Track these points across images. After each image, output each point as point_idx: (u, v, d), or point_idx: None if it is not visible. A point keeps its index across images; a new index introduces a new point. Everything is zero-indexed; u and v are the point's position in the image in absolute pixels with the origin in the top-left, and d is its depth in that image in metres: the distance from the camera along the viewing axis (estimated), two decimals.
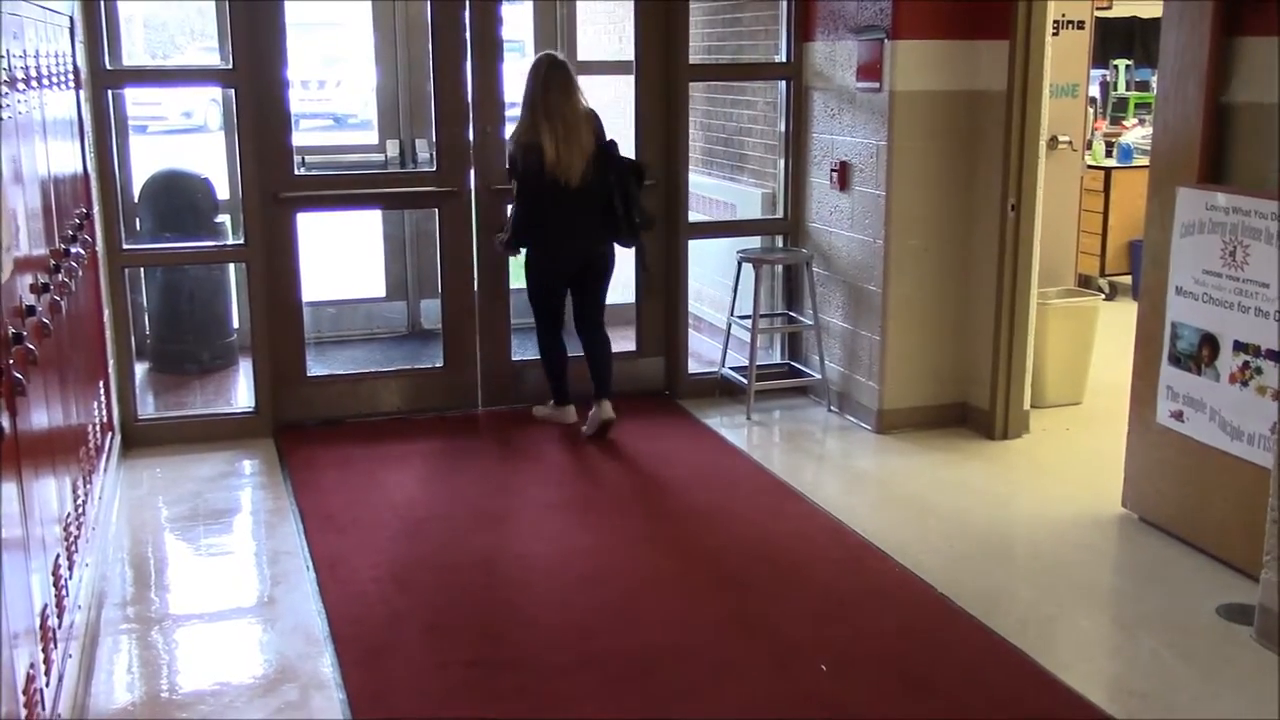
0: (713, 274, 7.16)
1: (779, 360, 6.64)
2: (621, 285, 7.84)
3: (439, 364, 6.18)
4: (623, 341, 6.66)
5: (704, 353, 6.85)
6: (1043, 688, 3.57)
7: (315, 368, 6.17)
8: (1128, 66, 11.70)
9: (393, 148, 7.41)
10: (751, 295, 6.06)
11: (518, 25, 9.18)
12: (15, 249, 2.91)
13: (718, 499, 5.10)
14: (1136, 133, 9.46)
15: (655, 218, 5.87)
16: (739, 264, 6.22)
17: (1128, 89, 11.67)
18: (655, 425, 6.02)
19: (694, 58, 6.37)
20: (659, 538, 4.71)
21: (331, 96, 19.20)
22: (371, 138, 7.81)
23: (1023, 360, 5.63)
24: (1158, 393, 4.53)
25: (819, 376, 6.19)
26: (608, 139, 5.60)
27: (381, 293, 7.80)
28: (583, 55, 7.80)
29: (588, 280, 5.74)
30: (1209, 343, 4.29)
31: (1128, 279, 8.67)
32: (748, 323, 6.10)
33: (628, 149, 6.25)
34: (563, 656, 3.75)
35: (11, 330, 2.71)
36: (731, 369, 6.36)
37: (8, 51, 3.04)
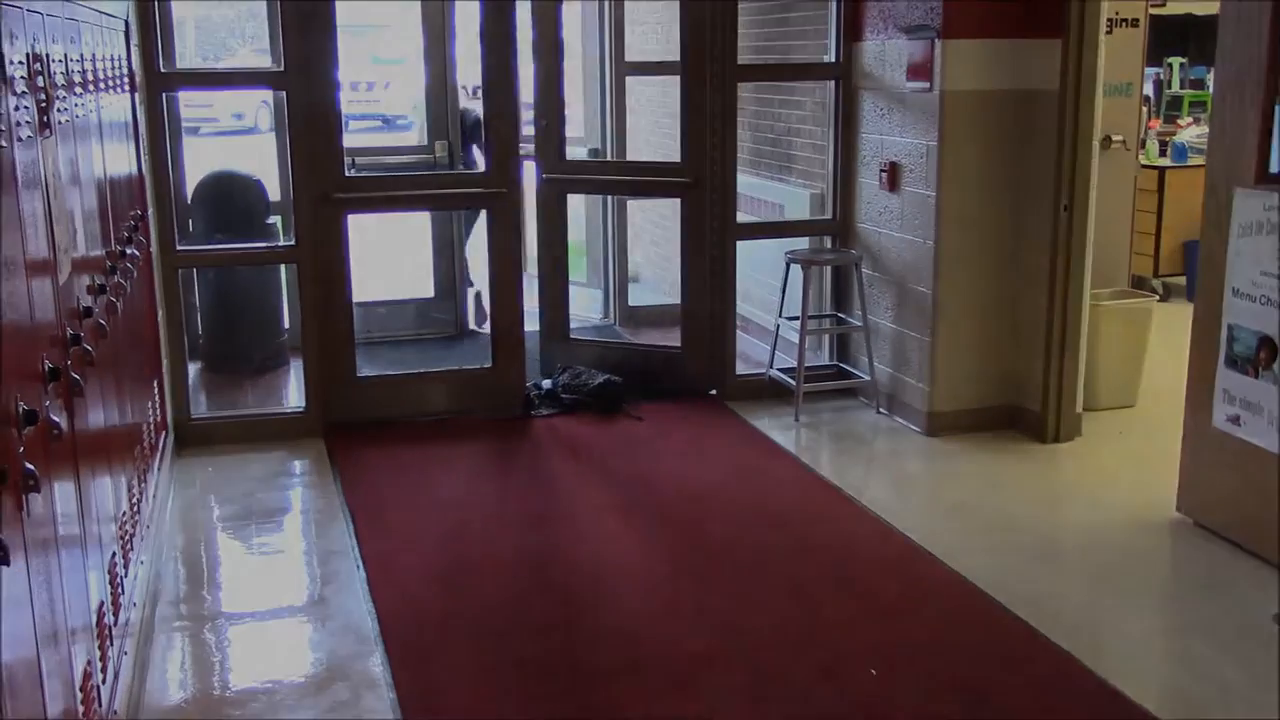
0: (761, 275, 7.14)
1: (827, 361, 6.61)
2: (669, 285, 7.84)
3: (487, 364, 6.21)
4: (670, 341, 6.67)
5: (752, 354, 6.82)
6: (1094, 693, 3.52)
7: (365, 368, 6.21)
8: (1182, 64, 11.54)
9: (441, 149, 7.44)
10: (800, 296, 6.04)
11: (565, 25, 9.16)
12: (73, 250, 2.95)
13: (766, 501, 5.07)
14: (1191, 131, 9.32)
15: None
16: (787, 265, 6.19)
17: (1182, 87, 11.50)
18: (703, 426, 6.01)
19: (742, 58, 6.34)
20: (707, 541, 4.69)
21: (381, 98, 19.37)
22: (420, 139, 7.86)
23: (1075, 362, 5.57)
24: (1214, 396, 4.46)
25: (868, 378, 6.15)
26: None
27: (430, 293, 7.85)
28: (630, 55, 7.80)
29: None
30: (1267, 345, 4.21)
31: (1182, 280, 8.54)
32: (796, 324, 6.08)
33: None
34: (610, 659, 3.75)
35: (69, 331, 2.75)
36: (779, 370, 6.33)
37: (65, 55, 3.08)
